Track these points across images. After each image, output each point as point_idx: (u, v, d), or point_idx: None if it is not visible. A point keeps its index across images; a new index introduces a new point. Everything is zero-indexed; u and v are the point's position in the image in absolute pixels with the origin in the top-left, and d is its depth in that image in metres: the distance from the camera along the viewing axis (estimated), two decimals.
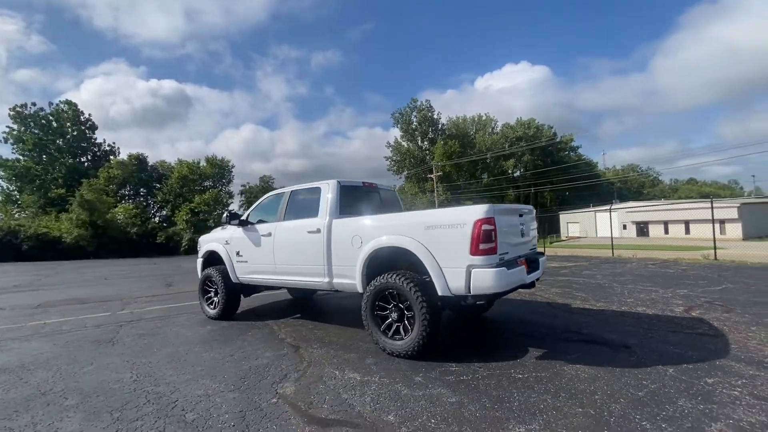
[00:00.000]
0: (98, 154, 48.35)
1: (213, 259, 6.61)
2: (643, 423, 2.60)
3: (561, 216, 50.61)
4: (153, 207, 45.93)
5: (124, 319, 6.63)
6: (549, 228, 46.61)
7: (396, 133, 58.16)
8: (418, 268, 4.09)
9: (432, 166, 51.12)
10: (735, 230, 35.92)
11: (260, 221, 5.96)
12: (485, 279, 3.57)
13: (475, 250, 3.63)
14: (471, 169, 57.45)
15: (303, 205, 5.45)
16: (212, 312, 6.30)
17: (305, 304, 7.36)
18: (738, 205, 37.88)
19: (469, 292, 3.68)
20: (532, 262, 4.40)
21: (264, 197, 6.25)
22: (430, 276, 3.90)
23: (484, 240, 3.61)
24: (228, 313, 6.20)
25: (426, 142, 56.43)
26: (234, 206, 43.34)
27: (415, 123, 55.62)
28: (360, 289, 4.52)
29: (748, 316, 5.17)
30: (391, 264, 4.34)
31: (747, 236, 34.88)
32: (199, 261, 6.81)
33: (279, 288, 6.31)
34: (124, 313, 7.19)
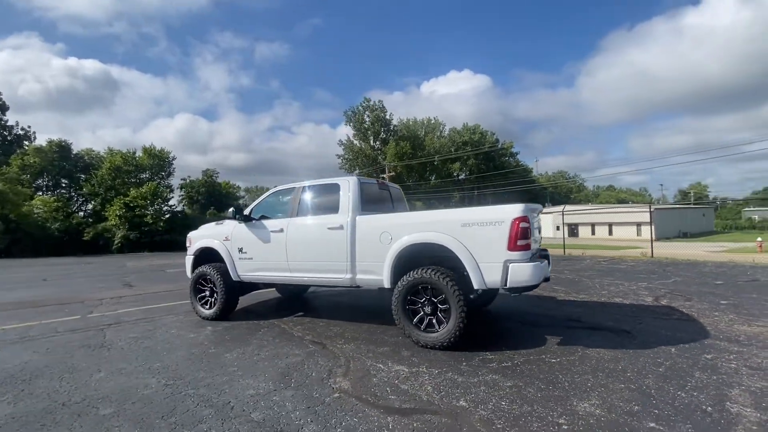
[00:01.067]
0: (9, 138, 42.20)
1: (206, 256, 6.25)
2: (678, 393, 3.03)
3: None
4: (78, 200, 41.13)
5: (102, 322, 6.03)
6: None
7: (348, 131, 57.99)
8: (451, 264, 4.29)
9: (385, 166, 51.82)
10: (648, 232, 41.04)
11: (263, 217, 5.76)
12: (523, 273, 3.86)
13: (513, 246, 3.90)
14: (420, 170, 59.04)
15: (318, 202, 5.39)
16: (207, 312, 5.96)
17: (300, 303, 7.21)
18: (652, 209, 43.23)
19: (506, 285, 3.94)
20: (544, 257, 4.80)
21: (267, 193, 6.04)
22: (466, 270, 4.11)
23: (521, 236, 3.90)
24: (225, 313, 5.90)
25: (378, 142, 56.94)
26: (173, 201, 40.26)
27: (368, 122, 55.87)
28: (387, 285, 4.60)
29: (706, 303, 6.08)
30: (420, 260, 4.48)
31: (657, 237, 40.02)
32: (189, 258, 6.38)
33: (278, 285, 6.12)
34: (95, 316, 6.52)
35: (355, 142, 57.35)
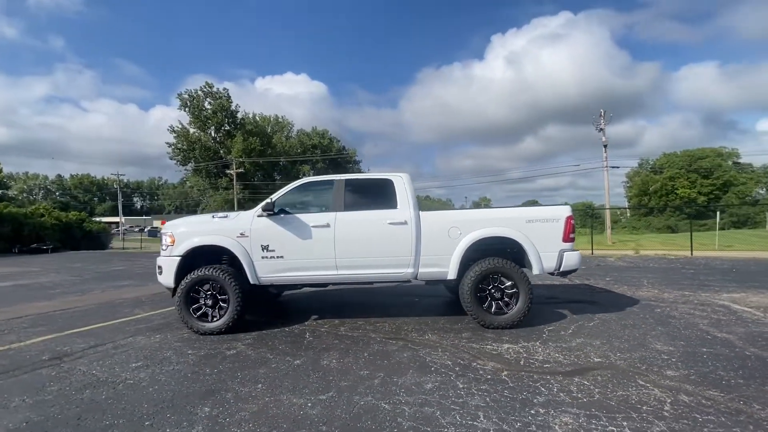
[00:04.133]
0: None
1: (200, 257, 5.10)
2: (702, 327, 4.66)
3: None
4: None
5: (59, 350, 4.20)
6: None
7: (182, 117, 50.24)
8: (513, 254, 5.06)
9: (228, 161, 47.35)
10: None
11: (283, 211, 5.18)
12: (573, 259, 4.98)
13: (566, 238, 4.98)
14: (269, 169, 56.50)
15: (368, 197, 5.27)
16: (211, 325, 4.91)
17: (302, 304, 6.57)
18: None
19: (559, 269, 4.98)
20: None
21: (292, 186, 5.39)
22: (529, 259, 4.95)
23: (572, 231, 5.01)
24: (238, 323, 4.99)
25: (221, 134, 51.50)
26: None
27: (209, 110, 49.80)
28: (452, 276, 4.99)
29: (609, 279, 8.66)
30: (484, 252, 5.07)
31: None
32: (171, 261, 5.03)
33: (310, 286, 5.53)
34: (33, 344, 4.43)
35: (192, 130, 50.30)
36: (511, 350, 4.10)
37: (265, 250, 5.03)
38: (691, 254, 15.13)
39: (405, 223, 5.01)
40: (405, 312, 5.98)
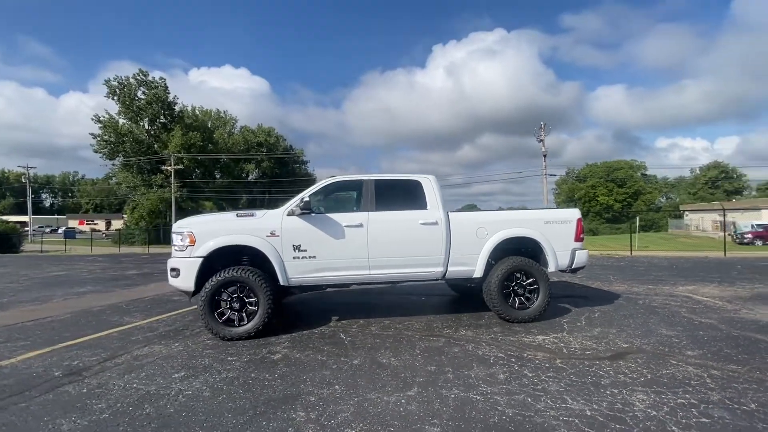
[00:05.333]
0: None
1: (223, 258, 4.81)
2: (685, 314, 5.38)
3: None
4: None
5: (69, 365, 3.70)
6: None
7: (109, 105, 45.37)
8: (530, 253, 5.46)
9: (168, 156, 43.76)
10: None
11: (305, 211, 5.06)
12: (583, 257, 5.51)
13: (577, 238, 5.49)
14: (210, 167, 53.15)
15: (397, 197, 5.32)
16: (239, 330, 4.66)
17: (308, 306, 6.37)
18: None
19: (571, 267, 5.48)
20: None
21: (322, 184, 5.25)
22: (546, 257, 5.38)
23: (582, 231, 5.54)
24: (267, 326, 4.79)
25: (156, 127, 47.36)
26: None
27: (143, 101, 45.55)
28: (478, 274, 5.26)
29: (580, 276, 9.51)
30: (507, 251, 5.40)
31: None
32: (192, 262, 4.68)
33: (334, 287, 5.41)
34: (27, 359, 3.82)
35: (122, 121, 45.65)
36: (547, 341, 4.45)
37: (296, 250, 4.88)
38: (631, 254, 17.17)
39: (436, 223, 5.17)
40: (421, 310, 6.14)
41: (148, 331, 5.17)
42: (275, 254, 4.81)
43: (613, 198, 60.27)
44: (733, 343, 4.32)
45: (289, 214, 4.94)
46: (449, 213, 5.32)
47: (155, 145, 47.22)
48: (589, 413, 2.78)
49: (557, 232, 5.45)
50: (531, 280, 5.30)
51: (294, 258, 4.88)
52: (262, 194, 61.14)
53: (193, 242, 4.73)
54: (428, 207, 5.26)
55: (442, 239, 5.16)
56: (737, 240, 29.05)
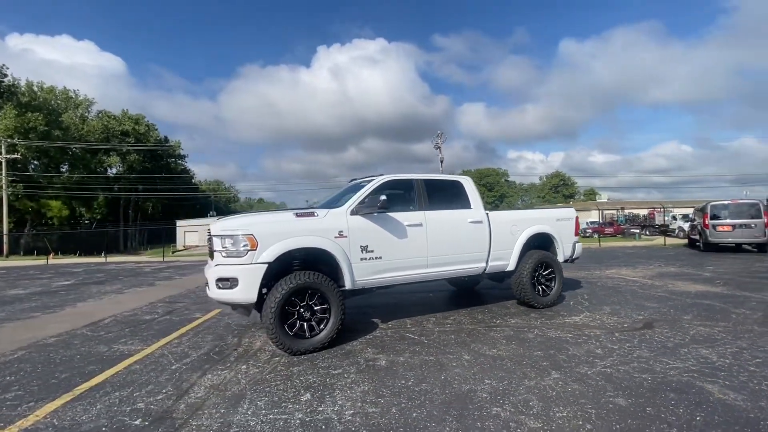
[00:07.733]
0: None
1: (287, 263, 4.29)
2: (641, 290, 6.80)
3: (178, 225, 48.81)
4: None
5: (151, 410, 2.84)
6: (167, 237, 43.64)
7: None
8: (545, 247, 6.24)
9: None
10: None
11: (374, 210, 4.88)
12: (580, 249, 6.55)
13: (576, 233, 6.50)
14: (58, 157, 42.86)
15: (443, 197, 5.48)
16: (313, 341, 4.25)
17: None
18: None
19: (572, 257, 6.46)
20: None
21: (377, 183, 5.01)
22: (556, 249, 6.24)
23: (578, 227, 6.57)
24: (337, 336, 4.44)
25: None
26: None
27: None
28: (511, 267, 5.80)
29: None
30: (529, 245, 6.06)
31: None
32: (256, 269, 4.03)
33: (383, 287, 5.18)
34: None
35: None
36: (583, 320, 5.21)
37: (364, 251, 4.64)
38: None
39: (481, 221, 5.52)
40: (447, 306, 6.38)
41: (182, 356, 4.22)
42: (344, 256, 4.49)
43: (484, 201, 69.76)
44: (700, 308, 5.75)
45: (352, 213, 4.66)
46: (489, 212, 5.73)
47: None
48: (694, 367, 3.49)
49: (564, 228, 6.37)
50: (549, 270, 6.07)
51: (362, 259, 4.63)
52: (128, 192, 51.99)
53: (254, 246, 4.08)
54: (472, 206, 5.57)
55: (486, 236, 5.53)
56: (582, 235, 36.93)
